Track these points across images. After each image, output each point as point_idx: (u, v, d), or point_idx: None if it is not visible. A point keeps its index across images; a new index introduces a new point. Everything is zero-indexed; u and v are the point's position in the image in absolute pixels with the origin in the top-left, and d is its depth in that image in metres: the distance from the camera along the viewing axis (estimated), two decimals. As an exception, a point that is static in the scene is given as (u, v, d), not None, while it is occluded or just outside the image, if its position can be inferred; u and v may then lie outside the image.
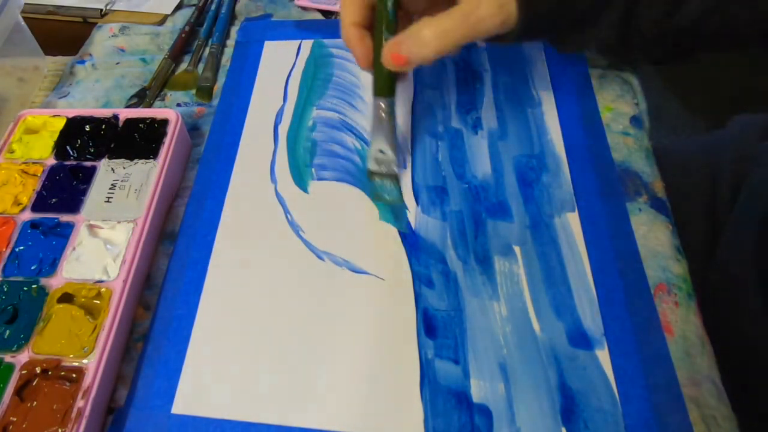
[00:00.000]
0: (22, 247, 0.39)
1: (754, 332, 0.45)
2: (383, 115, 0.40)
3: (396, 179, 0.42)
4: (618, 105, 0.45)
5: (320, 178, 0.44)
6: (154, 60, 0.55)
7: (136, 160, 0.43)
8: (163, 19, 0.59)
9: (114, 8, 0.60)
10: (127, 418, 0.35)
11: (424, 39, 0.33)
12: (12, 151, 0.44)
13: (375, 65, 0.38)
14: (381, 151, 0.41)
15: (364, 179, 0.44)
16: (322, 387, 0.35)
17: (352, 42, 0.37)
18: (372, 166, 0.42)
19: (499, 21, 0.34)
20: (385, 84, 0.39)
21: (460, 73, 0.50)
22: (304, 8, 0.58)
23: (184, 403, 0.35)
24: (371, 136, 0.41)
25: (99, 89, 0.53)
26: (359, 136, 0.46)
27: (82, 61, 0.56)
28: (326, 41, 0.54)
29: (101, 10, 0.60)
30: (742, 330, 0.46)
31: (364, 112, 0.48)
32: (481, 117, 0.46)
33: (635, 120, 0.44)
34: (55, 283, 0.37)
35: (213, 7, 0.59)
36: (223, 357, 0.37)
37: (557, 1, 0.35)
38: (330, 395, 0.35)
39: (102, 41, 0.57)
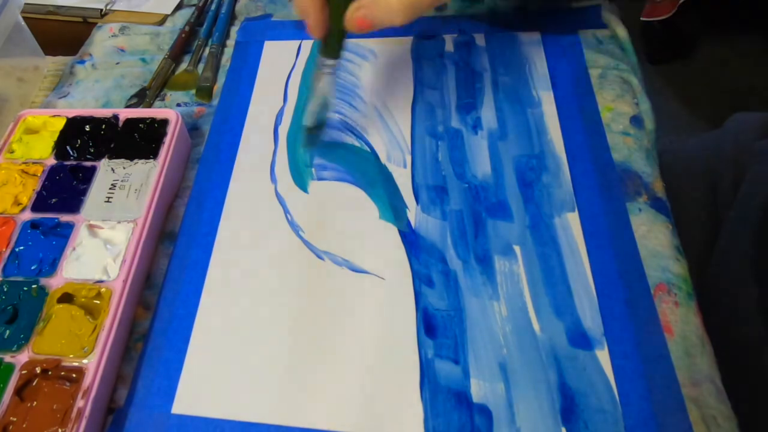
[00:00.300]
0: (22, 247, 0.39)
1: (752, 331, 0.45)
2: (329, 73, 0.41)
3: (325, 125, 0.46)
4: (618, 105, 0.45)
5: (320, 178, 0.44)
6: (154, 60, 0.55)
7: (136, 160, 0.43)
8: (163, 19, 0.59)
9: (114, 8, 0.60)
10: (127, 418, 0.35)
11: (393, 8, 0.34)
12: (12, 151, 0.44)
13: (330, 28, 0.38)
14: (321, 104, 0.44)
15: (365, 179, 0.44)
16: (321, 387, 0.35)
17: (309, 11, 0.37)
18: (311, 122, 0.45)
19: None
20: (337, 46, 0.39)
21: (460, 72, 0.50)
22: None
23: (184, 403, 0.35)
24: (313, 92, 0.43)
25: (99, 89, 0.53)
26: (359, 136, 0.46)
27: (82, 61, 0.56)
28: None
29: (101, 10, 0.60)
30: (741, 329, 0.46)
31: (364, 112, 0.48)
32: (481, 117, 0.46)
33: (635, 120, 0.44)
34: (55, 283, 0.37)
35: (213, 7, 0.59)
36: (223, 357, 0.37)
37: None
38: (330, 395, 0.35)
39: (102, 41, 0.57)
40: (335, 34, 0.38)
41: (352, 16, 0.35)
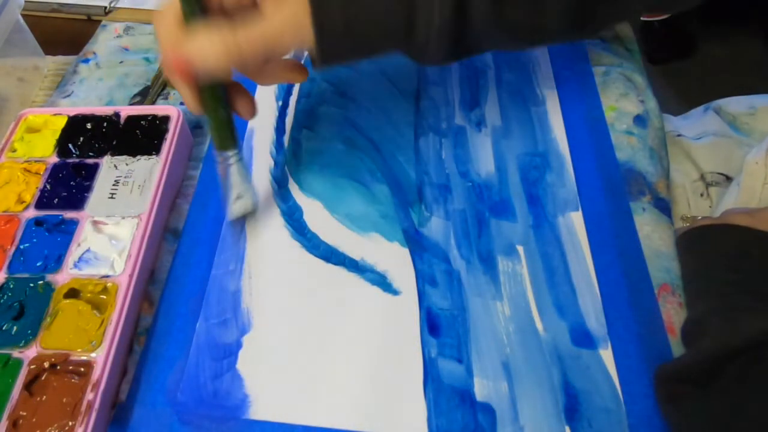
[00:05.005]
0: (27, 245, 0.39)
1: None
2: (232, 168, 0.38)
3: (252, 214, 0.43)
4: (622, 104, 0.45)
5: (325, 177, 0.44)
6: (158, 59, 0.55)
7: (138, 157, 0.43)
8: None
9: (118, 5, 0.60)
10: (130, 413, 0.35)
11: (206, 51, 0.30)
12: (14, 150, 0.44)
13: (211, 119, 0.35)
14: (239, 197, 0.40)
15: (368, 177, 0.44)
16: (325, 385, 0.35)
17: (182, 91, 0.33)
18: (234, 215, 0.41)
19: (297, 44, 0.31)
20: (225, 135, 0.36)
21: (463, 69, 0.50)
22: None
23: (186, 399, 0.35)
24: (225, 188, 0.39)
25: (102, 88, 0.53)
26: (363, 133, 0.46)
27: (86, 60, 0.56)
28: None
29: (105, 7, 0.60)
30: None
31: (367, 108, 0.48)
32: (484, 114, 0.46)
33: (639, 119, 0.45)
34: (60, 279, 0.37)
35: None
36: (226, 354, 0.37)
37: (351, 41, 0.31)
38: (333, 393, 0.35)
39: (106, 40, 0.57)
40: (219, 123, 0.35)
41: (168, 60, 0.31)
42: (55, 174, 0.43)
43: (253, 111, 0.36)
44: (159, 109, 0.46)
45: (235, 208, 0.40)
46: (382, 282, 0.39)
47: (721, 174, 0.54)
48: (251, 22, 0.30)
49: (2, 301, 0.36)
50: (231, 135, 0.36)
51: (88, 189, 0.41)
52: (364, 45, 0.32)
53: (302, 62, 0.37)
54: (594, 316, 0.36)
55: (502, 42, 0.34)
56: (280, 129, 0.48)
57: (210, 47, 0.29)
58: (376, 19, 0.30)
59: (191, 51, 0.30)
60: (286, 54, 0.32)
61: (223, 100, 0.34)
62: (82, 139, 0.45)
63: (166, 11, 0.31)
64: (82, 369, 0.33)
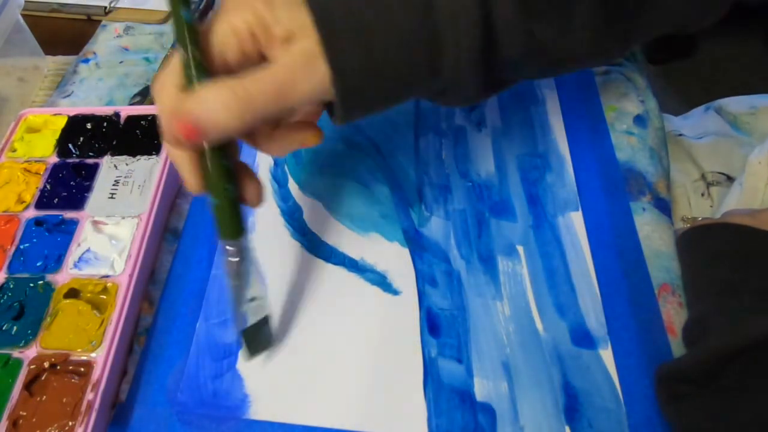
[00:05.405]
0: (27, 245, 0.39)
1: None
2: (238, 261, 0.31)
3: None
4: (622, 104, 0.45)
5: (325, 177, 0.44)
6: (158, 59, 0.55)
7: (138, 157, 0.43)
8: (167, 16, 0.59)
9: (118, 5, 0.60)
10: (130, 413, 0.35)
11: (219, 111, 0.25)
12: (14, 150, 0.44)
13: (213, 189, 0.29)
14: (253, 299, 0.32)
15: (368, 177, 0.44)
16: (325, 385, 0.35)
17: (182, 165, 0.29)
18: (247, 323, 0.33)
19: (312, 86, 0.26)
20: (235, 217, 0.29)
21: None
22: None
23: (186, 400, 0.35)
24: (232, 293, 0.32)
25: (102, 88, 0.53)
26: (363, 133, 0.46)
27: (86, 60, 0.56)
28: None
29: (105, 7, 0.60)
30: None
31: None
32: (484, 114, 0.46)
33: (639, 119, 0.45)
34: (60, 279, 0.37)
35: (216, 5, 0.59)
36: (226, 354, 0.37)
37: (373, 77, 0.26)
38: (333, 393, 0.35)
39: (106, 40, 0.57)
40: (226, 203, 0.29)
41: (171, 127, 0.26)
42: (55, 174, 0.43)
43: (261, 195, 0.31)
44: (159, 109, 0.46)
45: (251, 317, 0.33)
46: (382, 282, 0.39)
47: (722, 173, 0.54)
48: (260, 69, 0.25)
49: (2, 301, 0.36)
50: (239, 219, 0.29)
51: (88, 189, 0.41)
52: (388, 81, 0.27)
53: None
54: (594, 316, 0.36)
55: (532, 67, 0.30)
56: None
57: (219, 101, 0.25)
58: (396, 39, 0.25)
59: (197, 110, 0.25)
60: (302, 102, 0.26)
61: (230, 175, 0.28)
62: (82, 139, 0.45)
63: (164, 79, 0.27)
64: (82, 369, 0.33)
